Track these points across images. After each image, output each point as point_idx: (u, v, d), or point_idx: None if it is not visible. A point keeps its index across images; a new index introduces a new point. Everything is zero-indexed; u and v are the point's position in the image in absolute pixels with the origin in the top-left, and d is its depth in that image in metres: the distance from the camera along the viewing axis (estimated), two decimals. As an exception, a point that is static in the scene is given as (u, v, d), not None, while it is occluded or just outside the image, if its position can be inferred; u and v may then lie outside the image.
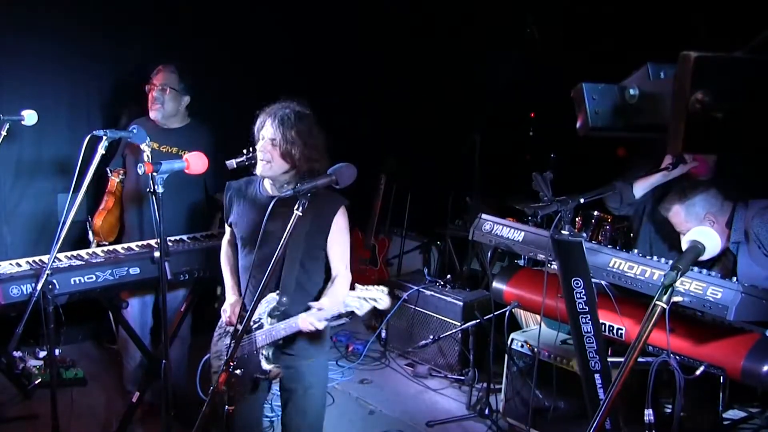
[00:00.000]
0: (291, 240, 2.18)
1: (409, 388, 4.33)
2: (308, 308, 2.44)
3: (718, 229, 2.79)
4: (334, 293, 2.46)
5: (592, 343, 2.49)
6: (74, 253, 2.99)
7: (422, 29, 5.57)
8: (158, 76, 3.47)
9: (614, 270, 2.69)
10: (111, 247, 3.17)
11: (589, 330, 2.47)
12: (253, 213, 2.56)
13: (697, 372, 2.52)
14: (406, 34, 5.57)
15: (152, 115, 3.45)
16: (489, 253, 4.40)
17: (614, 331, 2.81)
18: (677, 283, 1.68)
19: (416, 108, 5.61)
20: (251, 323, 2.42)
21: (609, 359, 2.56)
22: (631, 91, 1.15)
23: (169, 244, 3.18)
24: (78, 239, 3.82)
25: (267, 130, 2.45)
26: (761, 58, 1.02)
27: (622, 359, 1.67)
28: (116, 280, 2.93)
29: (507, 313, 3.38)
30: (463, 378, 4.30)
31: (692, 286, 2.46)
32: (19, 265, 2.83)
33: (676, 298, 1.70)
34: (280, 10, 5.02)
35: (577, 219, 3.81)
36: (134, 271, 2.99)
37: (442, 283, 4.65)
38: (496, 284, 3.41)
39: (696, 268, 2.50)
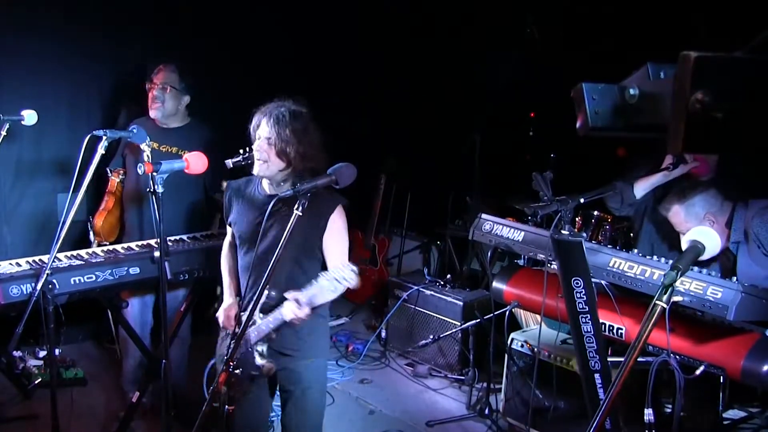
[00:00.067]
0: (289, 238, 2.18)
1: (409, 387, 4.33)
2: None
3: (717, 229, 2.79)
4: (318, 285, 2.46)
5: (592, 342, 2.49)
6: (74, 252, 2.99)
7: (422, 29, 5.57)
8: (159, 75, 3.47)
9: (614, 270, 2.69)
10: (111, 247, 3.17)
11: (589, 330, 2.47)
12: (252, 212, 2.56)
13: (697, 372, 2.52)
14: (406, 34, 5.58)
15: (152, 113, 3.45)
16: (489, 253, 4.40)
17: (614, 331, 2.81)
18: (677, 283, 1.68)
19: (416, 108, 5.61)
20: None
21: (609, 359, 2.56)
22: (631, 91, 1.15)
23: (169, 243, 3.18)
24: (79, 239, 3.82)
25: (263, 130, 2.45)
26: (761, 58, 1.02)
27: (622, 359, 1.67)
28: (116, 279, 2.93)
29: (507, 312, 3.38)
30: (463, 378, 4.30)
31: (692, 285, 2.46)
32: (19, 264, 2.83)
33: (676, 298, 1.70)
34: (280, 10, 5.02)
35: (577, 219, 3.81)
36: (134, 270, 2.99)
37: (442, 282, 4.65)
38: (496, 284, 3.41)
39: (696, 268, 2.50)
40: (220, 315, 2.66)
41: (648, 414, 2.13)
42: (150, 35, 4.44)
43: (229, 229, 2.74)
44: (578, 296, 2.42)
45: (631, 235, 3.74)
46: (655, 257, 2.67)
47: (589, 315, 2.45)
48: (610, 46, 4.29)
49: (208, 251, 3.26)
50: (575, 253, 2.38)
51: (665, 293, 1.65)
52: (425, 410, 4.00)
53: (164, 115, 3.46)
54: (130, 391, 3.54)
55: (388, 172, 5.63)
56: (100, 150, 2.73)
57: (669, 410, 2.80)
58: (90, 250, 3.08)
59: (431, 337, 4.21)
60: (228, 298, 2.70)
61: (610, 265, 2.71)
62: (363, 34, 5.44)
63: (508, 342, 3.53)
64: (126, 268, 2.96)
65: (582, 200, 2.59)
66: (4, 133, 2.93)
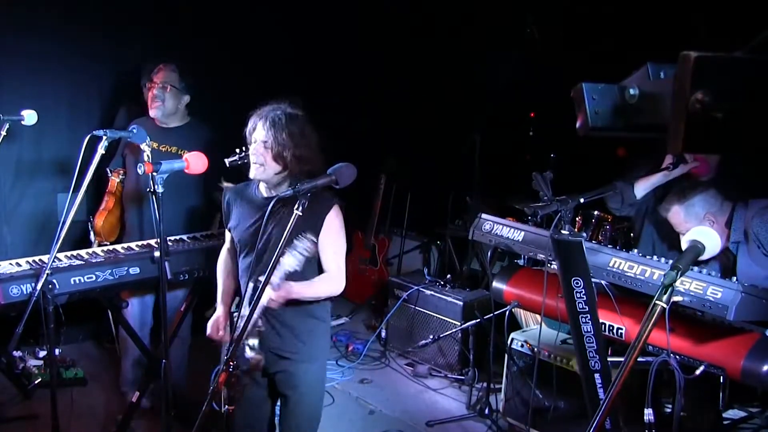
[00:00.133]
0: (291, 236, 2.18)
1: (409, 387, 4.33)
2: (299, 306, 2.45)
3: (717, 229, 2.79)
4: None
5: (592, 342, 2.49)
6: (74, 252, 2.99)
7: (422, 29, 5.57)
8: (159, 75, 3.47)
9: (614, 270, 2.69)
10: (111, 247, 3.17)
11: (589, 330, 2.47)
12: (250, 216, 2.56)
13: (697, 372, 2.52)
14: (406, 34, 5.58)
15: (152, 113, 3.45)
16: (489, 253, 4.39)
17: (614, 331, 2.81)
18: (677, 283, 1.68)
19: (416, 108, 5.61)
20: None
21: (609, 359, 2.56)
22: (631, 91, 1.15)
23: (169, 243, 3.18)
24: (79, 239, 3.82)
25: (258, 133, 2.45)
26: (761, 58, 1.02)
27: (622, 359, 1.67)
28: (116, 279, 2.93)
29: (507, 312, 3.38)
30: (463, 378, 4.30)
31: (692, 285, 2.46)
32: (19, 264, 2.83)
33: (676, 298, 1.70)
34: (280, 10, 5.03)
35: (577, 219, 3.81)
36: (134, 270, 2.99)
37: (442, 282, 4.65)
38: (496, 284, 3.41)
39: (696, 268, 2.50)
40: (209, 325, 2.65)
41: (648, 414, 2.13)
42: (150, 35, 4.44)
43: (227, 235, 2.73)
44: (578, 296, 2.42)
45: (632, 235, 3.74)
46: (655, 257, 2.67)
47: (589, 315, 2.45)
48: (610, 46, 4.29)
49: (208, 251, 3.26)
50: (575, 253, 2.38)
51: (665, 293, 1.65)
52: (425, 410, 4.00)
53: (164, 114, 3.46)
54: (128, 392, 3.54)
55: (388, 172, 5.63)
56: (100, 150, 2.73)
57: (669, 410, 2.80)
58: (90, 250, 3.08)
59: (431, 337, 4.20)
60: (218, 309, 2.69)
61: (610, 265, 2.71)
62: (363, 34, 5.44)
63: (508, 342, 3.53)
64: (126, 268, 2.96)
65: (582, 200, 2.58)
66: (4, 133, 2.93)
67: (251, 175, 2.49)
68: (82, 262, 2.90)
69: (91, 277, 2.85)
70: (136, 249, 3.14)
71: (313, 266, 2.51)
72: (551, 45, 4.98)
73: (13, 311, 2.65)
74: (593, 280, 2.47)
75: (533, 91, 4.93)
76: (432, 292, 4.51)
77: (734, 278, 2.49)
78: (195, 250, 3.26)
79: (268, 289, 2.26)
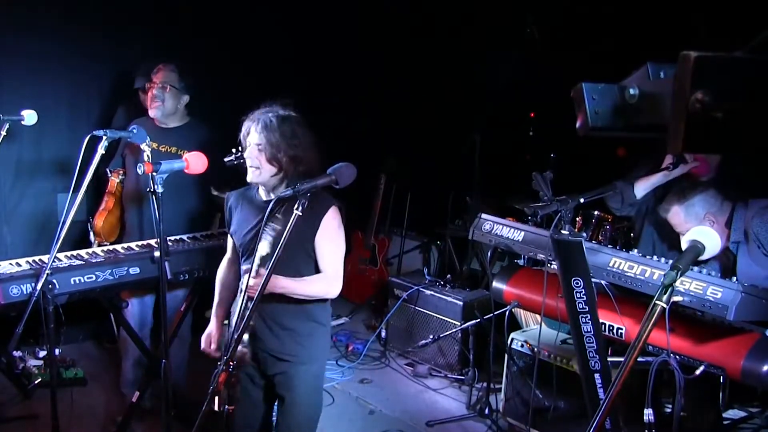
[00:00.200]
0: (288, 237, 2.18)
1: (409, 387, 4.33)
2: (296, 306, 2.46)
3: (717, 229, 2.79)
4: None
5: (592, 342, 2.49)
6: (74, 252, 2.99)
7: (422, 29, 5.57)
8: (158, 75, 3.47)
9: (614, 270, 2.69)
10: (111, 247, 3.17)
11: (589, 330, 2.47)
12: (250, 219, 2.56)
13: (697, 372, 2.52)
14: (406, 34, 5.58)
15: (152, 113, 3.45)
16: (489, 253, 4.39)
17: (614, 331, 2.81)
18: (677, 283, 1.68)
19: (416, 108, 5.61)
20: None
21: (609, 359, 2.56)
22: (631, 91, 1.15)
23: (169, 243, 3.18)
24: (79, 239, 3.82)
25: (252, 136, 2.46)
26: (761, 58, 1.02)
27: (622, 359, 1.67)
28: (116, 279, 2.93)
29: (507, 312, 3.38)
30: (463, 378, 4.30)
31: (692, 285, 2.46)
32: (19, 264, 2.83)
33: (676, 298, 1.70)
34: (280, 10, 5.03)
35: (577, 219, 3.81)
36: (134, 270, 2.98)
37: (442, 282, 4.65)
38: (496, 284, 3.41)
39: (696, 268, 2.50)
40: (203, 339, 2.65)
41: (648, 414, 2.13)
42: (150, 35, 4.44)
43: (229, 242, 2.72)
44: (578, 296, 2.42)
45: (632, 235, 3.74)
46: (655, 257, 2.67)
47: (589, 315, 2.45)
48: (610, 46, 4.29)
49: (208, 251, 3.26)
50: (575, 253, 2.38)
51: (665, 293, 1.65)
52: (425, 410, 4.00)
53: (164, 114, 3.46)
54: (128, 393, 3.54)
55: (388, 172, 5.63)
56: (100, 150, 2.73)
57: (669, 410, 2.80)
58: (90, 250, 3.08)
59: (431, 337, 4.20)
60: (211, 322, 2.68)
61: (610, 265, 2.71)
62: (363, 34, 5.44)
63: (508, 342, 3.53)
64: (126, 268, 2.96)
65: (582, 200, 2.58)
66: (4, 133, 2.93)
67: (248, 178, 2.50)
68: (82, 262, 2.90)
69: (91, 277, 2.85)
70: (136, 249, 3.14)
71: (310, 266, 2.50)
72: (551, 45, 4.98)
73: (13, 311, 2.65)
74: (593, 280, 2.47)
75: (533, 91, 4.93)
76: (432, 292, 4.51)
77: (734, 278, 2.49)
78: (195, 250, 3.26)
79: (255, 282, 2.25)
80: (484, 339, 4.05)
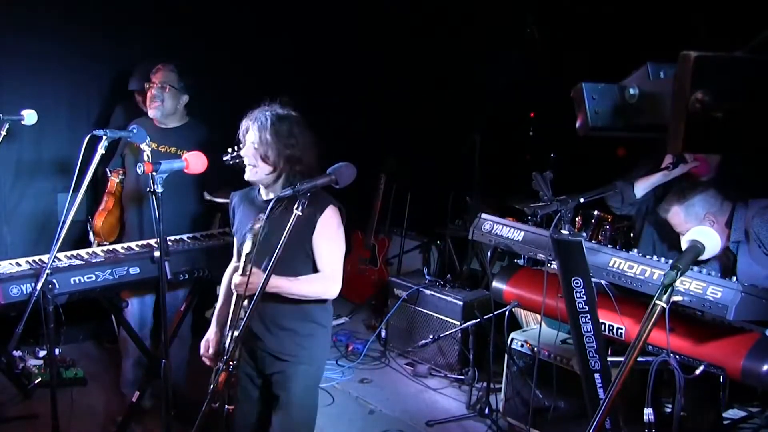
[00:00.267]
0: (286, 238, 2.18)
1: (409, 387, 4.33)
2: (295, 307, 2.45)
3: (718, 229, 2.79)
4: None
5: (592, 342, 2.49)
6: (74, 252, 2.99)
7: (422, 29, 5.57)
8: (157, 74, 3.47)
9: (614, 269, 2.69)
10: (111, 247, 3.17)
11: (588, 329, 2.47)
12: (250, 218, 2.56)
13: (697, 371, 2.52)
14: (406, 34, 5.58)
15: (151, 113, 3.45)
16: (489, 253, 4.40)
17: (614, 331, 2.81)
18: (677, 283, 1.68)
19: (416, 108, 5.61)
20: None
21: (609, 359, 2.56)
22: (631, 91, 1.15)
23: (169, 243, 3.18)
24: (78, 239, 3.82)
25: (249, 135, 2.46)
26: (761, 58, 1.02)
27: (622, 359, 1.67)
28: (116, 279, 2.93)
29: (507, 312, 3.38)
30: (462, 377, 4.30)
31: (692, 285, 2.46)
32: (19, 264, 2.83)
33: (675, 298, 1.70)
34: (280, 10, 5.03)
35: (577, 219, 3.81)
36: (134, 270, 2.98)
37: (442, 282, 4.65)
38: (495, 284, 3.41)
39: (696, 268, 2.50)
40: (202, 344, 2.65)
41: (648, 414, 2.13)
42: (150, 35, 4.44)
43: (235, 244, 2.73)
44: (578, 296, 2.42)
45: (632, 234, 3.74)
46: (655, 257, 2.67)
47: (589, 315, 2.45)
48: (610, 46, 4.29)
49: (208, 251, 3.26)
50: (575, 253, 2.38)
51: (665, 293, 1.65)
52: (425, 410, 4.00)
53: (163, 114, 3.46)
54: (129, 388, 3.54)
55: (388, 172, 5.63)
56: (100, 150, 2.73)
57: (669, 410, 2.80)
58: (90, 250, 3.08)
59: (431, 336, 4.20)
60: (212, 327, 2.67)
61: (610, 264, 2.71)
62: (363, 34, 5.44)
63: (508, 342, 3.54)
64: (126, 268, 2.96)
65: (582, 200, 2.58)
66: (4, 133, 2.92)
67: (246, 176, 2.50)
68: (82, 262, 2.90)
69: (91, 277, 2.85)
70: (136, 249, 3.14)
71: (308, 266, 2.49)
72: (551, 45, 4.98)
73: (13, 311, 2.65)
74: (593, 280, 2.46)
75: (533, 91, 4.93)
76: (432, 292, 4.51)
77: (734, 278, 2.49)
78: (195, 250, 3.26)
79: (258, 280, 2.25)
80: (484, 339, 4.05)
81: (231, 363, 2.16)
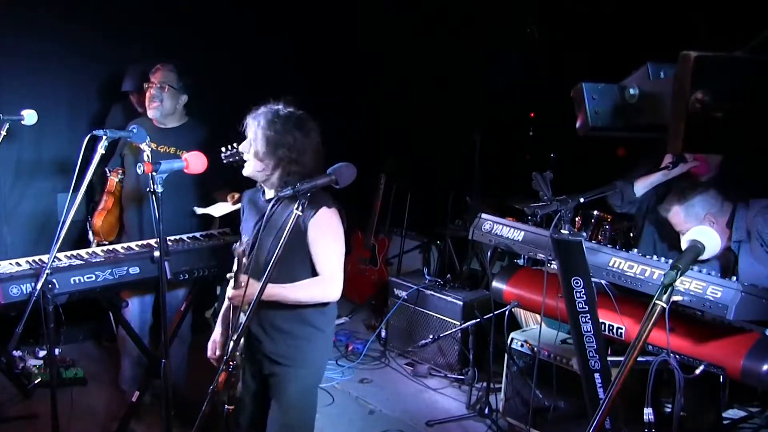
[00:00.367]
0: (277, 240, 2.18)
1: (408, 387, 4.33)
2: (291, 310, 2.44)
3: (718, 229, 2.79)
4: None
5: (592, 342, 2.49)
6: (74, 252, 2.99)
7: (422, 29, 5.57)
8: (156, 74, 3.47)
9: (614, 269, 2.69)
10: (111, 247, 3.17)
11: (588, 329, 2.47)
12: (253, 218, 2.57)
13: (697, 371, 2.52)
14: (406, 34, 5.58)
15: (150, 113, 3.45)
16: (489, 253, 4.40)
17: (614, 331, 2.81)
18: (677, 283, 1.68)
19: (416, 108, 5.61)
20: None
21: (609, 358, 2.56)
22: (631, 91, 1.15)
23: (169, 243, 3.18)
24: (77, 239, 3.82)
25: (248, 130, 2.46)
26: (761, 58, 1.02)
27: (621, 358, 1.67)
28: (116, 279, 2.93)
29: (507, 312, 3.38)
30: (462, 377, 4.30)
31: (692, 285, 2.46)
32: (18, 264, 2.83)
33: (675, 298, 1.70)
34: (280, 10, 5.03)
35: (576, 218, 3.82)
36: (134, 270, 2.98)
37: (441, 282, 4.65)
38: (495, 284, 3.41)
39: (696, 267, 2.50)
40: (209, 345, 2.65)
41: (648, 414, 2.13)
42: (150, 35, 4.44)
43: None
44: (578, 296, 2.42)
45: (632, 234, 3.74)
46: (655, 257, 2.67)
47: (588, 315, 2.45)
48: (610, 46, 4.29)
49: (208, 251, 3.26)
50: (575, 253, 2.38)
51: (665, 293, 1.65)
52: (425, 410, 4.00)
53: (162, 114, 3.46)
54: (129, 388, 3.54)
55: (388, 172, 5.63)
56: (100, 150, 2.73)
57: (669, 410, 2.80)
58: (90, 250, 3.08)
59: (431, 336, 4.20)
60: (217, 328, 2.67)
61: (610, 264, 2.71)
62: (363, 34, 5.44)
63: (508, 342, 3.54)
64: (126, 268, 2.96)
65: (582, 200, 2.58)
66: (4, 133, 2.92)
67: (244, 172, 2.50)
68: (82, 262, 2.90)
69: (91, 277, 2.85)
70: (136, 249, 3.14)
71: (305, 270, 2.46)
72: (551, 45, 4.98)
73: (13, 311, 2.65)
74: (593, 279, 2.46)
75: (533, 91, 4.93)
76: (432, 292, 4.51)
77: (734, 278, 2.49)
78: (195, 250, 3.26)
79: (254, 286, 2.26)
80: (484, 339, 4.05)
81: (231, 363, 2.16)
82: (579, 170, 4.07)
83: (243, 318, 2.32)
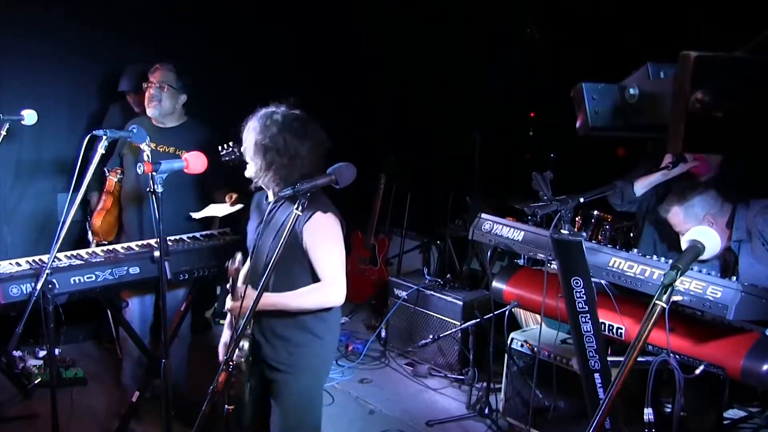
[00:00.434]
0: (275, 242, 2.18)
1: (408, 387, 4.33)
2: (290, 316, 2.44)
3: (717, 229, 2.78)
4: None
5: (592, 342, 2.49)
6: (74, 252, 2.99)
7: (422, 29, 5.57)
8: (155, 74, 3.47)
9: (614, 269, 2.69)
10: (111, 247, 3.17)
11: (588, 329, 2.47)
12: (255, 220, 2.58)
13: (697, 371, 2.52)
14: (406, 34, 5.58)
15: (149, 112, 3.45)
16: (489, 253, 4.40)
17: (614, 331, 2.81)
18: (677, 283, 1.68)
19: (416, 108, 5.61)
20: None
21: (609, 359, 2.56)
22: (631, 91, 1.15)
23: (169, 243, 3.18)
24: (77, 239, 3.82)
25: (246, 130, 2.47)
26: (761, 58, 1.02)
27: (621, 359, 1.67)
28: (116, 279, 2.93)
29: (507, 312, 3.38)
30: (462, 377, 4.30)
31: (692, 285, 2.46)
32: (19, 264, 2.83)
33: (675, 298, 1.70)
34: (280, 10, 5.03)
35: (576, 218, 3.82)
36: (134, 270, 2.98)
37: (441, 282, 4.65)
38: (495, 284, 3.41)
39: (696, 267, 2.50)
40: (219, 350, 2.65)
41: (648, 414, 2.13)
42: (150, 35, 4.44)
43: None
44: (578, 296, 2.42)
45: (632, 234, 3.74)
46: (655, 257, 2.67)
47: (588, 315, 2.45)
48: (610, 46, 4.29)
49: (208, 251, 3.26)
50: (575, 253, 2.38)
51: (665, 293, 1.65)
52: (425, 410, 4.00)
53: (161, 113, 3.46)
54: (129, 387, 3.54)
55: (388, 172, 5.63)
56: (100, 150, 2.73)
57: (669, 410, 2.80)
58: (90, 250, 3.08)
59: (431, 336, 4.20)
60: (226, 331, 2.66)
61: (610, 264, 2.71)
62: (363, 34, 5.44)
63: (508, 342, 3.54)
64: (126, 268, 2.96)
65: (582, 200, 2.58)
66: (4, 133, 2.93)
67: (246, 173, 2.50)
68: (82, 262, 2.90)
69: (91, 277, 2.85)
70: (136, 249, 3.14)
71: (305, 277, 2.44)
72: (551, 45, 4.98)
73: (13, 311, 2.65)
74: (593, 279, 2.46)
75: (533, 91, 4.93)
76: (432, 292, 4.51)
77: (734, 278, 2.49)
78: (195, 250, 3.26)
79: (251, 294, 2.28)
80: (484, 339, 4.05)
81: (231, 363, 2.17)
82: (579, 170, 4.06)
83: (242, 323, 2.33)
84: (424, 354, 4.52)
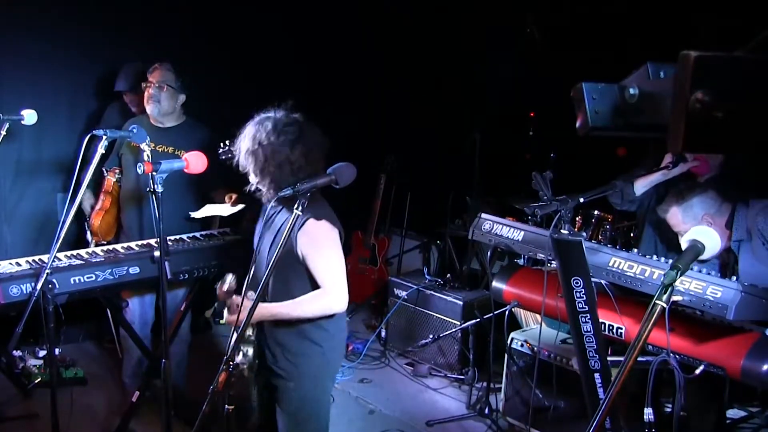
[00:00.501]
0: (274, 247, 2.18)
1: (408, 387, 4.33)
2: (289, 324, 2.44)
3: (716, 229, 2.78)
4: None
5: (592, 342, 2.49)
6: (74, 252, 2.99)
7: (422, 29, 5.58)
8: (155, 74, 3.47)
9: (614, 269, 2.69)
10: (111, 247, 3.17)
11: (588, 329, 2.47)
12: (259, 224, 2.59)
13: (697, 371, 2.52)
14: (406, 34, 5.58)
15: (148, 111, 3.45)
16: (489, 253, 4.40)
17: (614, 331, 2.81)
18: (677, 283, 1.67)
19: (416, 107, 5.61)
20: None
21: (609, 358, 2.56)
22: (631, 91, 1.15)
23: (169, 243, 3.18)
24: (76, 239, 3.82)
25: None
26: (761, 58, 1.02)
27: (621, 358, 1.67)
28: (116, 279, 2.93)
29: (507, 312, 3.38)
30: (462, 377, 4.30)
31: (692, 285, 2.46)
32: (18, 264, 2.82)
33: (675, 298, 1.70)
34: (280, 9, 5.03)
35: (576, 218, 3.82)
36: (134, 270, 2.98)
37: (441, 282, 4.65)
38: (495, 283, 3.41)
39: (696, 267, 2.50)
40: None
41: (648, 414, 2.13)
42: (149, 35, 4.44)
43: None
44: (578, 296, 2.42)
45: (632, 234, 3.74)
46: (655, 257, 2.67)
47: (588, 314, 2.45)
48: (610, 46, 4.29)
49: (208, 251, 3.26)
50: (575, 253, 2.38)
51: (665, 293, 1.65)
52: (425, 410, 4.00)
53: (160, 113, 3.46)
54: (129, 387, 3.54)
55: (388, 172, 5.63)
56: (100, 150, 2.72)
57: (669, 410, 2.80)
58: (90, 250, 3.08)
59: (431, 336, 4.21)
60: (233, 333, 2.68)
61: (610, 264, 2.71)
62: (363, 33, 5.44)
63: (508, 341, 3.54)
64: (126, 268, 2.96)
65: (582, 200, 2.58)
66: (4, 132, 2.92)
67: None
68: (82, 262, 2.90)
69: (91, 277, 2.84)
70: (136, 249, 3.14)
71: (303, 285, 2.43)
72: (551, 45, 4.98)
73: (13, 311, 2.65)
74: (593, 279, 2.46)
75: (533, 91, 4.93)
76: (432, 292, 4.51)
77: (734, 278, 2.49)
78: (195, 249, 3.26)
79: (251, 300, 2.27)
80: (484, 339, 4.05)
81: (231, 363, 2.17)
82: (579, 170, 4.07)
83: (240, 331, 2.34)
84: (424, 354, 4.52)
